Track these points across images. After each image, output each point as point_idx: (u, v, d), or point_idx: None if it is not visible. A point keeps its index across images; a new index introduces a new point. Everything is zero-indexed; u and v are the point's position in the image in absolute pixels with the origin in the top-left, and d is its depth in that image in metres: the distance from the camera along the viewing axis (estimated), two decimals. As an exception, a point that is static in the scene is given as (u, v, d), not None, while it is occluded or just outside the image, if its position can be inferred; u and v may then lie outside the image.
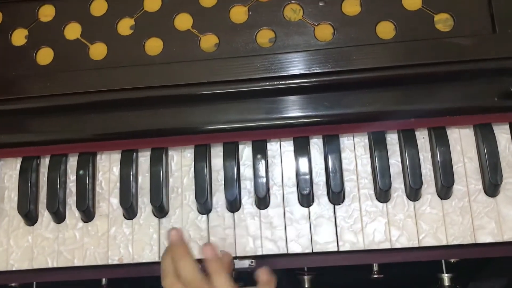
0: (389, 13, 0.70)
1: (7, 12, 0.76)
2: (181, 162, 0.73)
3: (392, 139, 0.71)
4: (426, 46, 0.68)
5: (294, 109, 0.70)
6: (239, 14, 0.72)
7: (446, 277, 0.73)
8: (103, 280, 0.74)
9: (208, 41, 0.72)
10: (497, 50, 0.67)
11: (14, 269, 0.71)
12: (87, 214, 0.71)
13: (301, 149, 0.71)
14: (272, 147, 0.72)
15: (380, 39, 0.70)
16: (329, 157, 0.70)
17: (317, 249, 0.68)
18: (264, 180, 0.70)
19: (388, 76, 0.68)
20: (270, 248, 0.69)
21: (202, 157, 0.71)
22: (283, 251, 0.69)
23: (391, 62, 0.68)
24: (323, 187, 0.70)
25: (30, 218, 0.72)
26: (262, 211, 0.70)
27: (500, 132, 0.69)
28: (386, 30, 0.70)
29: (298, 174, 0.70)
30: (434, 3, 0.70)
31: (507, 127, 0.70)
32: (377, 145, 0.69)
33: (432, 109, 0.69)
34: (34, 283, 0.74)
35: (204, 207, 0.70)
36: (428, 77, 0.68)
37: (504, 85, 0.68)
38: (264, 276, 0.62)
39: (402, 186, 0.69)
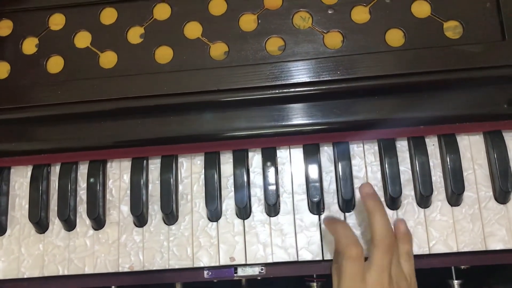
0: (398, 21, 0.70)
1: (17, 21, 0.76)
2: (191, 169, 0.73)
3: (402, 146, 0.71)
4: (435, 54, 0.68)
5: (303, 116, 0.70)
6: (248, 22, 0.72)
7: (456, 284, 0.73)
8: None
9: (218, 49, 0.72)
10: (506, 57, 0.67)
11: (25, 276, 0.71)
12: (98, 222, 0.72)
13: (311, 156, 0.71)
14: (282, 154, 0.73)
15: (389, 46, 0.70)
16: (339, 164, 0.70)
17: (328, 256, 0.68)
18: (274, 187, 0.70)
19: (397, 83, 0.68)
20: (280, 256, 0.69)
21: (212, 164, 0.72)
22: (293, 258, 0.69)
23: (401, 69, 0.68)
24: (333, 194, 0.70)
25: (41, 226, 0.72)
26: (272, 218, 0.70)
27: (510, 138, 0.70)
28: (395, 37, 0.70)
29: (308, 181, 0.70)
30: (443, 10, 0.70)
31: (517, 134, 0.70)
32: (387, 152, 0.70)
33: (442, 116, 0.69)
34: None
35: (215, 214, 0.70)
36: (437, 85, 0.68)
37: (513, 92, 0.68)
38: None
39: (413, 193, 0.69)
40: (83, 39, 0.75)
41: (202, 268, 0.70)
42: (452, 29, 0.70)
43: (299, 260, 0.69)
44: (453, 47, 0.68)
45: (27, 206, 0.73)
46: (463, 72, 0.68)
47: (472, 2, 0.70)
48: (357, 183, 0.70)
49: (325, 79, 0.69)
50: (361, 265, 0.59)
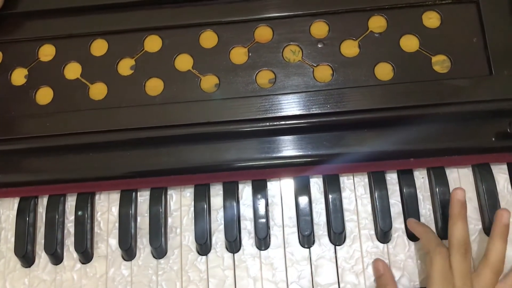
0: (387, 55, 0.71)
1: (7, 52, 0.76)
2: (180, 201, 0.73)
3: (392, 178, 0.71)
4: (424, 88, 0.69)
5: (294, 148, 0.70)
6: (239, 55, 0.73)
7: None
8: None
9: (209, 82, 0.72)
10: (493, 91, 0.68)
11: (9, 312, 0.70)
12: (86, 255, 0.71)
13: (302, 188, 0.71)
14: (272, 186, 0.72)
15: (378, 80, 0.70)
16: (330, 197, 0.70)
17: (318, 291, 0.68)
18: (264, 220, 0.69)
19: (387, 117, 0.69)
20: (271, 290, 0.68)
21: (202, 197, 0.71)
22: (284, 293, 0.68)
23: (390, 103, 0.69)
24: (324, 227, 0.70)
25: (27, 259, 0.71)
26: (262, 252, 0.70)
27: (499, 172, 0.70)
28: (384, 71, 0.71)
29: (298, 214, 0.70)
30: (431, 45, 0.71)
31: (505, 167, 0.71)
32: (377, 185, 0.70)
33: (431, 149, 0.70)
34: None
35: (204, 248, 0.70)
36: (426, 118, 0.69)
37: (501, 126, 0.68)
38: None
39: (403, 226, 0.69)
40: (73, 71, 0.74)
41: (191, 303, 0.69)
42: (440, 63, 0.71)
43: (290, 294, 0.68)
44: (441, 81, 0.69)
45: (13, 239, 0.72)
46: (451, 106, 0.68)
47: (459, 37, 0.71)
48: (347, 216, 0.70)
49: (315, 112, 0.69)
50: (448, 261, 0.62)
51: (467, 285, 0.60)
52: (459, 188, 0.65)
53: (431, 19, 0.73)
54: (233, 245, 0.69)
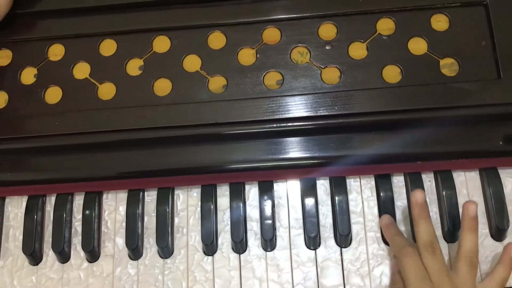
0: (395, 57, 0.71)
1: (17, 51, 0.77)
2: (187, 201, 0.73)
3: (399, 181, 0.71)
4: (432, 91, 0.69)
5: (300, 150, 0.70)
6: (247, 56, 0.73)
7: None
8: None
9: (217, 83, 0.72)
10: (502, 95, 0.68)
11: (17, 310, 0.70)
12: (93, 254, 0.71)
13: (308, 190, 0.71)
14: (279, 187, 0.72)
15: (386, 83, 0.70)
16: (336, 199, 0.70)
17: (324, 292, 0.68)
18: (270, 221, 0.70)
19: (394, 119, 0.69)
20: (276, 291, 0.68)
21: (208, 197, 0.71)
22: (289, 294, 0.68)
23: (398, 106, 0.69)
24: (330, 229, 0.70)
25: (35, 257, 0.71)
26: (268, 253, 0.70)
27: (506, 176, 0.70)
28: (392, 74, 0.71)
29: (305, 216, 0.70)
30: (439, 48, 0.71)
31: (512, 171, 0.71)
32: (384, 188, 0.70)
33: (438, 153, 0.69)
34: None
35: (210, 248, 0.70)
36: (433, 121, 0.69)
37: (509, 130, 0.68)
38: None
39: (409, 228, 0.69)
40: (82, 70, 0.75)
41: (197, 303, 0.69)
42: (448, 66, 0.71)
43: (295, 296, 0.68)
44: (449, 85, 0.69)
45: (21, 237, 0.72)
46: (459, 109, 0.68)
47: (468, 40, 0.71)
48: (354, 218, 0.70)
49: (322, 114, 0.69)
50: (418, 260, 0.62)
51: (443, 281, 0.60)
52: (418, 190, 0.65)
53: (440, 22, 0.73)
54: (239, 246, 0.70)
